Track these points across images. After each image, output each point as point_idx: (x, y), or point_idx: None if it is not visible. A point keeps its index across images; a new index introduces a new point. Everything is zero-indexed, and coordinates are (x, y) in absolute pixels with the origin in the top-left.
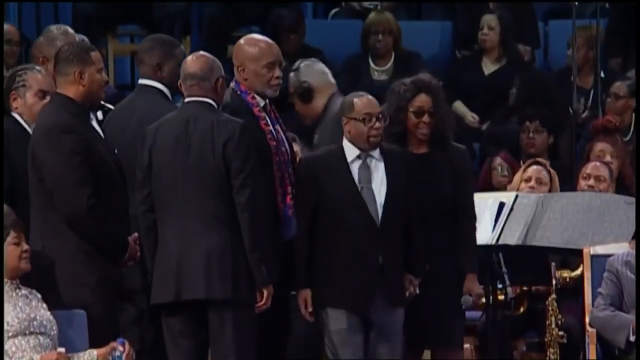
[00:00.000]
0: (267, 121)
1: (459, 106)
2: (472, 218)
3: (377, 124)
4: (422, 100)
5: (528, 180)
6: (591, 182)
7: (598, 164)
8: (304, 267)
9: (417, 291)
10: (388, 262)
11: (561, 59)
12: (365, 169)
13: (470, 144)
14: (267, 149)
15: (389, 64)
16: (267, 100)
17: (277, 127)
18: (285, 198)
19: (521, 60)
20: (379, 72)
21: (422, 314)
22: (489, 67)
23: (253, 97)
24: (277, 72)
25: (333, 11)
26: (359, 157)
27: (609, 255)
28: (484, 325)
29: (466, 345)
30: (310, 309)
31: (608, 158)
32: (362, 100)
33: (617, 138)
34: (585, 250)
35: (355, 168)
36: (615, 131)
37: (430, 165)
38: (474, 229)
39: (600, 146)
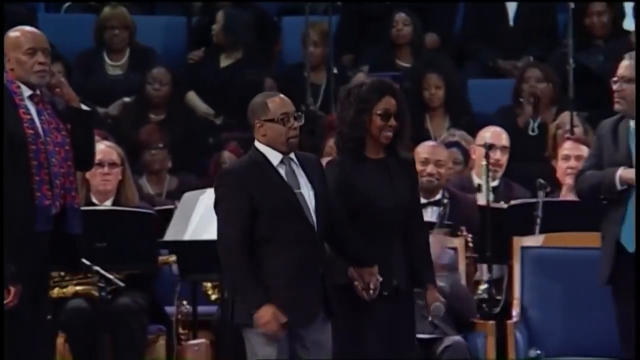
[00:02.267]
0: (26, 110)
1: (193, 97)
2: (426, 227)
3: (295, 124)
4: (389, 102)
5: None
6: None
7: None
8: (256, 282)
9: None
10: (325, 272)
11: (295, 54)
12: (292, 174)
13: (205, 136)
14: (23, 137)
15: (124, 59)
16: (39, 91)
17: (45, 117)
18: (42, 187)
19: (259, 55)
20: (113, 66)
21: (381, 331)
22: (225, 61)
23: (18, 87)
24: (40, 59)
25: (66, 5)
26: (282, 161)
27: None
28: (219, 320)
29: (201, 341)
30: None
31: None
32: (275, 101)
33: None
34: None
35: (282, 174)
36: None
37: (389, 171)
38: (428, 238)
39: (332, 142)
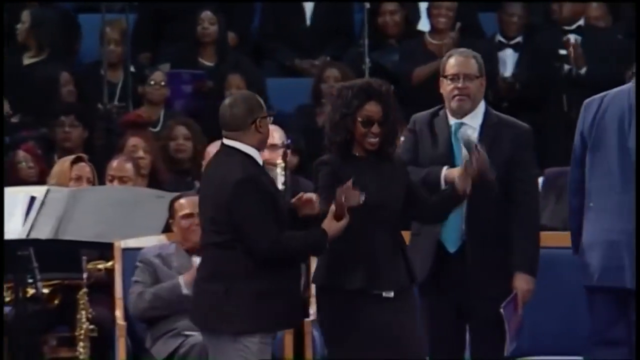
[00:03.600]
0: None
1: None
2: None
3: None
4: (372, 109)
5: (78, 179)
6: (115, 183)
7: (122, 161)
8: (305, 232)
9: None
10: None
11: (93, 52)
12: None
13: None
14: None
15: None
16: None
17: None
18: None
19: (63, 54)
20: None
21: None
22: (28, 59)
23: None
24: None
25: None
26: (264, 164)
27: (141, 248)
28: (13, 320)
29: None
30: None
31: (141, 153)
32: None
33: (149, 133)
34: (117, 244)
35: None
36: (145, 126)
37: (379, 168)
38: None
39: (133, 141)
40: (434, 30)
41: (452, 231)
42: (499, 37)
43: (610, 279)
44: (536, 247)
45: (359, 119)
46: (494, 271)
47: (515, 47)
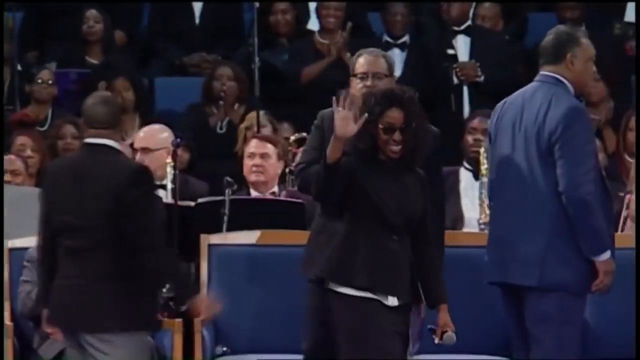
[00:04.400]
0: None
1: None
2: (432, 244)
3: None
4: (393, 115)
5: None
6: (8, 177)
7: (12, 157)
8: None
9: None
10: None
11: None
12: None
13: None
14: None
15: None
16: None
17: None
18: None
19: None
20: None
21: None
22: None
23: None
24: None
25: None
26: None
27: (28, 248)
28: None
29: None
30: None
31: (29, 152)
32: None
33: (36, 132)
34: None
35: None
36: (33, 125)
37: (399, 176)
38: (435, 256)
39: (21, 140)
40: (323, 29)
41: None
42: (386, 37)
43: (494, 275)
44: (441, 249)
45: (380, 125)
46: None
47: (402, 47)
